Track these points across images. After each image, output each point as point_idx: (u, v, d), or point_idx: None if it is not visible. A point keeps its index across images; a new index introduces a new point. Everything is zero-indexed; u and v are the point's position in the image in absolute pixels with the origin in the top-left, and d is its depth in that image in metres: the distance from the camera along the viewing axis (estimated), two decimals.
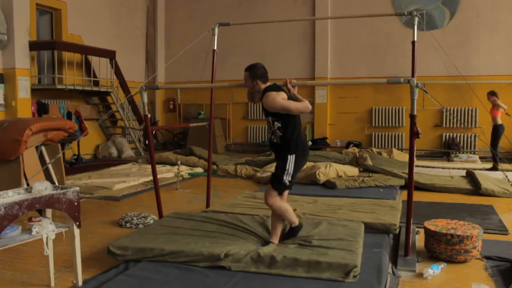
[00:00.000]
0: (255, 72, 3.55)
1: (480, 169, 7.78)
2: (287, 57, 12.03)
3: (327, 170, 6.96)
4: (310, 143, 11.71)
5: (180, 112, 13.45)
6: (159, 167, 8.18)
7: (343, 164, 7.86)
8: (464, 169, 7.75)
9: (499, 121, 8.13)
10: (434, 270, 3.30)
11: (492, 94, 8.32)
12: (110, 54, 10.81)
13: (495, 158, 8.08)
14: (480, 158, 9.96)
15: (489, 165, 8.73)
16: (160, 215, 4.51)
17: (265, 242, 3.63)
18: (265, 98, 3.47)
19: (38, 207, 2.84)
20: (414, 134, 3.52)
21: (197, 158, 9.13)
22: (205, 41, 5.21)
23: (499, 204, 5.63)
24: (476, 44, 10.69)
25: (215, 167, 8.39)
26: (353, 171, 7.34)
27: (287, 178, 3.49)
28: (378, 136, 11.46)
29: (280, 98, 3.44)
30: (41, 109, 9.34)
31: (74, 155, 9.83)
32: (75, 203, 3.00)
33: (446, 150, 10.77)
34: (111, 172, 8.31)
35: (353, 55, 11.59)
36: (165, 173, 8.03)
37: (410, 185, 3.68)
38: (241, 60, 12.13)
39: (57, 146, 5.80)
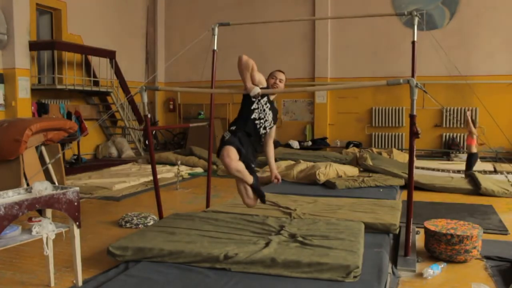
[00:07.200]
0: None
1: (480, 171, 7.75)
2: (287, 57, 12.02)
3: (327, 170, 6.96)
4: (310, 143, 11.73)
5: (180, 112, 13.45)
6: (159, 167, 8.18)
7: (343, 164, 7.86)
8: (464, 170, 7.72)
9: (474, 150, 7.31)
10: (434, 270, 3.30)
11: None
12: (110, 54, 10.81)
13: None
14: (480, 158, 9.93)
15: (489, 165, 8.72)
16: (160, 215, 4.50)
17: (266, 242, 3.63)
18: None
19: (38, 207, 2.83)
20: (414, 134, 3.53)
21: (197, 158, 9.12)
22: (205, 41, 5.21)
23: (499, 204, 5.63)
24: (476, 44, 10.69)
25: (215, 167, 8.38)
26: (353, 171, 7.34)
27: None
28: (378, 136, 11.46)
29: None
30: (41, 109, 9.33)
31: (74, 155, 9.83)
32: (75, 203, 3.00)
33: (446, 150, 10.77)
34: (111, 172, 8.31)
35: (353, 55, 11.59)
36: (165, 173, 8.02)
37: (410, 185, 3.68)
38: None
39: (57, 146, 5.79)
